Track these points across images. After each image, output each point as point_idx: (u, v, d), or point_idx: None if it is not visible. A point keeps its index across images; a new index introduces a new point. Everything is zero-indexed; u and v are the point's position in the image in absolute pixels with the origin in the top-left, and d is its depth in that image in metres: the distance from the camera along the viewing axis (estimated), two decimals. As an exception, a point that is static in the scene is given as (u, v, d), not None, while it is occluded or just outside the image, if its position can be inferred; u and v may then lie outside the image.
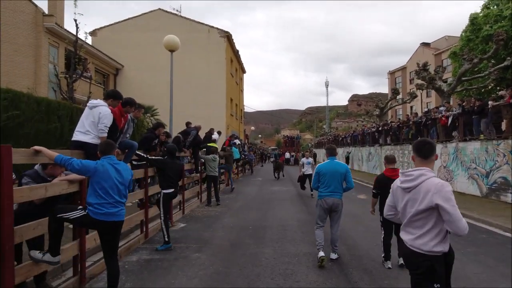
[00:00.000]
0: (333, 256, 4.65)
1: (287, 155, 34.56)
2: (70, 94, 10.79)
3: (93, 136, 4.33)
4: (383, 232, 4.59)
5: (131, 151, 5.18)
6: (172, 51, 10.04)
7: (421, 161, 2.31)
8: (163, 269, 4.38)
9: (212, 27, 23.71)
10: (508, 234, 6.33)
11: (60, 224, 3.27)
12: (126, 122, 5.08)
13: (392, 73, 55.06)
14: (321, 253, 4.43)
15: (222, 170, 14.18)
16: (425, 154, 2.30)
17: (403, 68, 50.89)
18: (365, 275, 4.13)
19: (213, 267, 4.45)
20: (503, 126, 10.39)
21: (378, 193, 4.61)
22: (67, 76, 11.72)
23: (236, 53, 28.10)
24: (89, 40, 21.41)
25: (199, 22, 23.88)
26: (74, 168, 3.16)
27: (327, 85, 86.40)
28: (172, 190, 5.49)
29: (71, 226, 3.97)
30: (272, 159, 22.40)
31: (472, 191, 10.92)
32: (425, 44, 47.97)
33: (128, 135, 5.28)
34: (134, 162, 5.79)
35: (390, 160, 4.69)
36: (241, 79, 33.18)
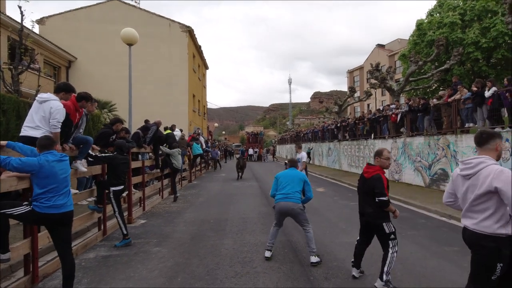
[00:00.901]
0: (313, 259, 4.24)
1: (251, 151, 34.96)
2: (15, 86, 10.00)
3: (44, 131, 4.16)
4: (359, 237, 3.96)
5: (86, 147, 5.05)
6: (130, 44, 9.75)
7: (479, 149, 2.42)
8: (122, 264, 4.38)
9: (173, 21, 23.20)
10: (444, 219, 7.11)
11: (5, 221, 3.18)
12: (81, 117, 4.95)
13: (350, 72, 57.83)
14: (267, 253, 4.43)
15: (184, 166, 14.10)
16: (480, 142, 2.41)
17: (360, 68, 53.65)
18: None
19: (174, 259, 4.54)
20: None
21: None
22: (11, 67, 10.87)
23: (198, 48, 27.76)
24: (36, 29, 19.93)
25: (159, 16, 23.23)
26: (14, 167, 3.02)
27: (290, 83, 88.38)
28: (122, 187, 5.44)
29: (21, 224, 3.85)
30: (238, 156, 22.42)
31: (417, 182, 11.98)
32: (380, 46, 50.97)
33: (81, 130, 5.15)
34: (89, 159, 5.65)
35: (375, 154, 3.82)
36: (204, 75, 32.84)
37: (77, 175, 5.33)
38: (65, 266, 3.29)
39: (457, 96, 10.17)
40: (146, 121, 9.77)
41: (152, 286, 3.66)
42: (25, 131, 4.22)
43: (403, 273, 3.99)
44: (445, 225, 6.55)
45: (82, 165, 5.05)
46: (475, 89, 9.13)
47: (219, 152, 27.43)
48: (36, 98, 4.43)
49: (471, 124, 9.66)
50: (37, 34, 17.32)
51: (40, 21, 21.37)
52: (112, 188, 5.30)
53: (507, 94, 8.35)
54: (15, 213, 3.10)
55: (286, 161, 5.71)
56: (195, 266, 4.24)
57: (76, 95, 4.71)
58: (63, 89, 4.54)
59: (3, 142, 3.42)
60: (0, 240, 3.11)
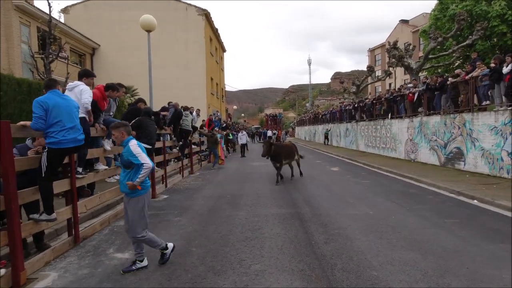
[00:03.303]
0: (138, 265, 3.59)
1: (269, 133, 35.30)
2: (47, 75, 10.82)
3: (79, 112, 4.77)
4: None
5: None
6: (149, 31, 10.19)
7: None
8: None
9: (190, 5, 23.38)
10: (452, 195, 7.28)
11: (49, 185, 3.77)
12: (108, 102, 5.56)
13: (372, 51, 55.84)
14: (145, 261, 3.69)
15: (206, 152, 14.73)
16: None
17: (382, 46, 51.58)
18: (320, 227, 4.91)
19: (192, 227, 5.12)
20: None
21: None
22: (43, 56, 11.67)
23: (215, 31, 27.89)
24: (61, 18, 20.81)
25: (176, 0, 23.47)
26: (38, 121, 3.51)
27: (309, 63, 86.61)
28: (150, 147, 6.10)
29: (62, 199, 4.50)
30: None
31: (432, 161, 11.98)
32: (404, 21, 48.67)
33: (111, 113, 5.74)
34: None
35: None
36: (222, 58, 33.05)
37: (105, 154, 5.97)
38: None
39: (475, 73, 9.97)
40: (169, 103, 10.45)
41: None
42: None
43: (399, 239, 4.34)
44: (451, 200, 6.74)
45: (108, 144, 5.67)
46: (493, 65, 8.95)
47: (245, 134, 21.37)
48: (67, 87, 5.04)
49: (487, 102, 9.52)
50: (62, 24, 18.16)
51: (64, 10, 22.23)
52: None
53: (525, 70, 8.16)
54: (44, 168, 3.63)
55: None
56: (210, 232, 4.80)
57: (104, 85, 5.31)
58: (83, 75, 5.12)
59: (27, 122, 3.69)
60: (46, 203, 3.73)
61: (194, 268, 3.58)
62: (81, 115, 4.65)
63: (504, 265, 3.51)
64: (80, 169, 4.74)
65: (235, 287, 3.13)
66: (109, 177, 8.12)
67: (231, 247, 4.16)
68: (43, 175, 3.66)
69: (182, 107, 10.47)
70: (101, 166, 5.68)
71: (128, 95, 14.41)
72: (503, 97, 8.89)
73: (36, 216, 3.71)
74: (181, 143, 10.17)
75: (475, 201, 6.56)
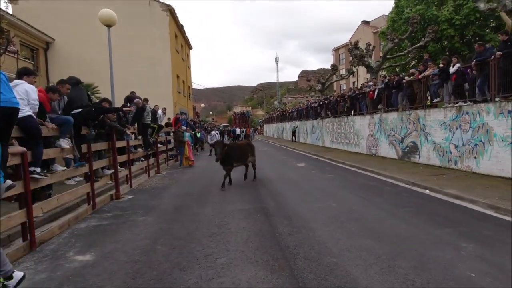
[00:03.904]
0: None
1: (238, 131, 35.35)
2: (-4, 70, 10.05)
3: (25, 111, 4.46)
4: None
5: (67, 126, 5.43)
6: (109, 26, 9.82)
7: None
8: (111, 231, 4.89)
9: (153, 0, 22.72)
10: (407, 186, 7.81)
11: None
12: (54, 101, 5.39)
13: (336, 50, 57.77)
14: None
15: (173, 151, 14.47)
16: None
17: (346, 45, 53.49)
18: (285, 220, 5.08)
19: (158, 225, 5.07)
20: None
21: None
22: (-11, 50, 10.81)
23: (180, 28, 27.35)
24: (9, 9, 19.28)
25: (138, -6, 22.66)
26: None
27: (277, 61, 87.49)
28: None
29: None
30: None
31: (391, 155, 12.73)
32: (365, 23, 50.86)
33: (60, 112, 5.53)
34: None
35: None
36: (188, 56, 32.50)
37: (63, 154, 5.71)
38: None
39: (427, 73, 10.74)
40: (132, 93, 10.19)
41: (138, 247, 4.18)
42: None
43: (358, 229, 4.62)
44: (406, 191, 7.24)
45: (64, 143, 5.42)
46: (441, 65, 9.69)
47: (204, 134, 25.49)
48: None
49: (438, 99, 10.30)
50: (10, 15, 16.84)
51: (12, 0, 20.60)
52: None
53: (468, 70, 8.93)
54: None
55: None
56: (176, 230, 4.78)
57: (45, 88, 5.14)
58: (24, 73, 4.83)
59: None
60: None
61: (159, 265, 3.57)
62: (28, 113, 4.41)
63: (446, 247, 3.88)
64: (38, 169, 4.50)
65: (200, 280, 3.17)
66: (69, 179, 7.77)
67: (197, 243, 4.19)
68: None
69: (154, 106, 10.24)
70: (58, 168, 5.43)
71: (88, 93, 13.74)
72: (451, 95, 9.68)
73: None
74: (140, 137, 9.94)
75: (427, 190, 7.11)
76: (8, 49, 10.99)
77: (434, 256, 3.61)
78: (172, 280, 3.22)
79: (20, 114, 4.41)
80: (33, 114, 4.49)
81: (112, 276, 3.37)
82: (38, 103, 4.59)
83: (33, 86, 4.61)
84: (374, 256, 3.64)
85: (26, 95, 4.39)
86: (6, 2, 15.95)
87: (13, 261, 3.80)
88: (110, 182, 7.68)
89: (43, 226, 5.12)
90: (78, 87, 6.36)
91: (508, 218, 4.92)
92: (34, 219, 4.45)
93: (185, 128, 15.74)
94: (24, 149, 4.09)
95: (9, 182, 3.60)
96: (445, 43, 17.31)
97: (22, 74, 4.78)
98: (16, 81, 4.59)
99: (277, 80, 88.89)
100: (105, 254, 3.97)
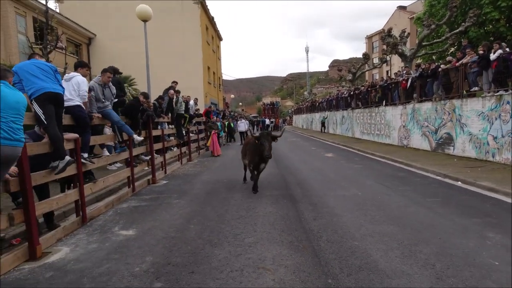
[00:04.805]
0: None
1: (267, 121, 35.58)
2: (46, 65, 11.00)
3: (75, 101, 4.97)
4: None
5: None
6: (145, 21, 10.35)
7: None
8: (149, 211, 5.37)
9: (185, -7, 23.24)
10: (439, 177, 7.65)
11: (55, 130, 4.06)
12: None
13: (369, 38, 55.60)
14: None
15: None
16: None
17: (380, 32, 51.37)
18: (310, 206, 5.28)
19: (191, 208, 5.48)
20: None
21: None
22: (41, 47, 11.80)
23: (211, 20, 27.78)
24: (57, 8, 20.72)
25: (171, -12, 23.29)
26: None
27: (307, 51, 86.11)
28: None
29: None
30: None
31: (424, 146, 12.35)
32: (401, 8, 48.34)
33: (107, 103, 5.97)
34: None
35: None
36: (218, 47, 32.97)
37: (107, 141, 6.26)
38: None
39: (464, 60, 10.23)
40: (173, 83, 10.73)
41: (174, 225, 4.60)
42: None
43: (381, 216, 4.71)
44: (436, 182, 7.12)
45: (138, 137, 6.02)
46: (481, 52, 9.20)
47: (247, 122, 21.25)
48: (64, 78, 5.27)
49: (476, 88, 9.81)
50: (58, 13, 18.13)
51: (58, 0, 22.08)
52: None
53: (511, 56, 8.42)
54: (42, 116, 3.95)
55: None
56: (208, 212, 5.16)
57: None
58: (78, 66, 5.37)
59: None
60: (57, 149, 4.08)
61: (192, 241, 3.95)
62: (77, 103, 4.91)
63: (471, 235, 3.89)
64: (85, 155, 5.03)
65: (229, 255, 3.49)
66: (110, 165, 8.46)
67: (226, 224, 4.53)
68: (45, 122, 3.97)
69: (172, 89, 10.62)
70: (105, 152, 5.99)
71: (126, 85, 14.57)
72: (491, 83, 9.18)
73: (54, 164, 4.05)
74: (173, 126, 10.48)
75: (459, 182, 6.94)
76: (57, 45, 11.93)
77: (457, 244, 3.65)
78: (204, 254, 3.57)
79: (70, 103, 4.96)
80: (81, 104, 4.99)
81: (152, 248, 3.79)
82: (87, 95, 5.09)
83: (84, 79, 5.11)
84: (396, 241, 3.75)
85: (77, 87, 4.91)
86: (55, 2, 17.18)
87: (69, 233, 4.37)
88: (146, 168, 8.28)
89: (91, 205, 5.73)
90: (117, 79, 6.89)
91: (543, 211, 4.76)
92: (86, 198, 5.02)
93: (216, 118, 16.25)
94: (77, 135, 4.62)
95: (68, 157, 4.14)
96: (489, 27, 16.16)
97: (77, 66, 5.33)
98: (72, 74, 5.14)
99: (307, 70, 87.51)
100: (145, 230, 4.42)
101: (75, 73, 5.15)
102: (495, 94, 8.83)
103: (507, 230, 4.05)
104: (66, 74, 5.27)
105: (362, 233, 4.05)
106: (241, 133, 19.92)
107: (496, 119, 8.74)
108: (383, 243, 3.70)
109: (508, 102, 8.35)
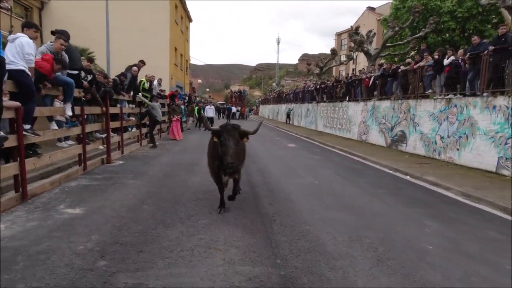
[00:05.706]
0: None
1: (233, 109, 35.34)
2: (-11, 27, 9.84)
3: (18, 65, 4.42)
4: None
5: (71, 90, 5.48)
6: (108, -10, 9.67)
7: None
8: (100, 190, 5.10)
9: (155, -33, 21.99)
10: (391, 171, 8.12)
11: None
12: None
13: (339, 35, 57.04)
14: None
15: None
16: None
17: (349, 30, 52.85)
18: (268, 192, 5.35)
19: (146, 188, 5.29)
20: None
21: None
22: (-17, 6, 10.54)
23: (182, -1, 26.68)
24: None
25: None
26: None
27: (278, 42, 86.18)
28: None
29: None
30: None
31: (380, 142, 13.03)
32: (370, 9, 49.99)
33: (64, 72, 5.53)
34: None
35: None
36: (187, 28, 31.85)
37: (56, 115, 5.80)
38: None
39: (421, 63, 10.85)
40: (140, 61, 10.25)
41: (126, 205, 4.41)
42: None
43: (334, 203, 4.91)
44: (388, 176, 7.56)
45: (69, 110, 5.50)
46: (436, 57, 9.81)
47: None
48: (8, 38, 4.75)
49: (430, 90, 10.48)
50: (7, -29, 16.26)
51: (9, -44, 19.78)
52: None
53: (462, 63, 9.08)
54: None
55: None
56: (164, 193, 5.02)
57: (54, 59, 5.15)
58: (24, 26, 4.85)
59: None
60: None
61: (144, 221, 3.82)
62: (21, 67, 4.41)
63: (413, 223, 4.19)
64: (27, 126, 4.59)
65: (181, 236, 3.43)
66: (61, 141, 7.89)
67: (182, 206, 4.44)
68: None
69: (150, 76, 10.24)
70: (53, 126, 5.54)
71: (83, 58, 13.58)
72: (443, 87, 9.86)
73: None
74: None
75: (408, 176, 7.42)
76: (0, 5, 10.70)
77: (400, 230, 3.91)
78: (156, 234, 3.47)
79: (12, 67, 4.43)
80: (26, 69, 4.49)
81: (100, 227, 3.61)
82: (33, 59, 4.60)
83: (30, 41, 4.61)
84: (344, 226, 3.93)
85: (21, 49, 4.40)
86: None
87: (5, 210, 4.01)
88: (101, 147, 7.84)
89: (35, 182, 5.30)
90: (72, 48, 6.35)
91: (475, 204, 5.26)
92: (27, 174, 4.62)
93: (180, 101, 15.79)
94: (18, 103, 4.19)
95: (1, 133, 3.74)
96: (446, 35, 17.28)
97: (23, 26, 4.82)
98: (17, 34, 4.60)
99: (277, 61, 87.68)
100: (94, 209, 4.20)
101: (21, 34, 4.64)
102: (445, 97, 9.50)
103: (444, 219, 4.41)
104: (11, 35, 4.74)
105: (314, 218, 4.18)
106: (209, 118, 19.61)
107: (444, 120, 9.43)
108: (332, 228, 3.86)
109: (455, 106, 9.03)
